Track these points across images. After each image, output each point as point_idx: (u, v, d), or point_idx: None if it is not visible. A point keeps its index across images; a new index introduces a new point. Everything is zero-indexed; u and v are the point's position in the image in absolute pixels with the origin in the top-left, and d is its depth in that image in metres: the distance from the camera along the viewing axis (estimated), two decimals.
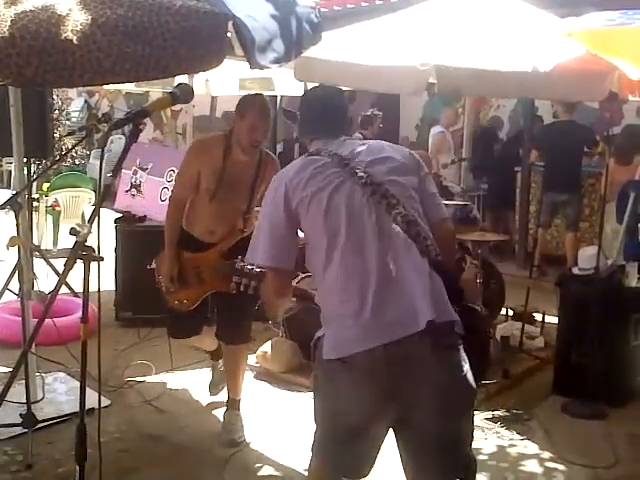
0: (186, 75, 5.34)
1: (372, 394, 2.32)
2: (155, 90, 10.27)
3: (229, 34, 3.22)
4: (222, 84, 7.67)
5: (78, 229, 1.89)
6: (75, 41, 2.77)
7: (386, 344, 2.23)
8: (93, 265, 1.97)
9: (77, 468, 2.07)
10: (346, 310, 2.32)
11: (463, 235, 5.24)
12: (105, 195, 1.99)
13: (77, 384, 4.55)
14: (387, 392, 2.30)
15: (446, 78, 4.68)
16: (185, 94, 2.29)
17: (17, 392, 3.60)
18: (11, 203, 3.70)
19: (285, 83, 7.36)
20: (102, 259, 1.92)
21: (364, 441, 2.42)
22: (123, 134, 13.45)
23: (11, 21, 2.69)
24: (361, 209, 2.38)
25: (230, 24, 3.13)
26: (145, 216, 6.45)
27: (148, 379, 4.90)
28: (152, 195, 11.27)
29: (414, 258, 2.33)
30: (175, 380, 4.97)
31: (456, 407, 2.34)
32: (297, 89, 7.41)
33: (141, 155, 10.99)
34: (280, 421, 4.44)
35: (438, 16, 5.27)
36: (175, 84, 7.11)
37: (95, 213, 1.94)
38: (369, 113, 8.83)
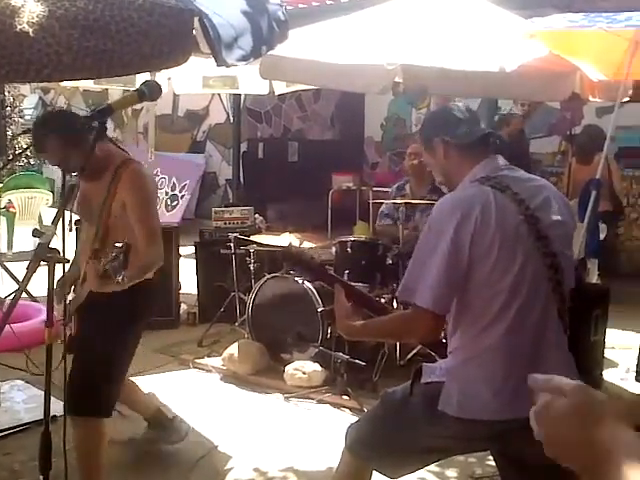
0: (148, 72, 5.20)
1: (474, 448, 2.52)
2: (115, 88, 10.04)
3: (194, 31, 3.16)
4: (185, 82, 7.55)
5: (42, 230, 1.82)
6: (31, 34, 2.67)
7: (513, 419, 2.14)
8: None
9: (41, 478, 1.98)
10: (486, 380, 2.21)
11: None
12: (70, 196, 1.91)
13: (36, 392, 4.48)
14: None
15: (413, 77, 4.70)
16: (152, 91, 2.20)
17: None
18: None
19: (250, 81, 7.27)
20: (68, 261, 1.85)
21: (430, 461, 2.61)
22: None
23: None
24: (537, 283, 2.21)
25: (196, 20, 3.06)
26: None
27: None
28: None
29: (561, 338, 2.32)
30: (140, 384, 4.81)
31: None
32: (262, 87, 7.34)
33: None
34: (248, 424, 4.38)
35: (405, 15, 5.29)
36: (136, 81, 7.01)
37: (59, 214, 1.86)
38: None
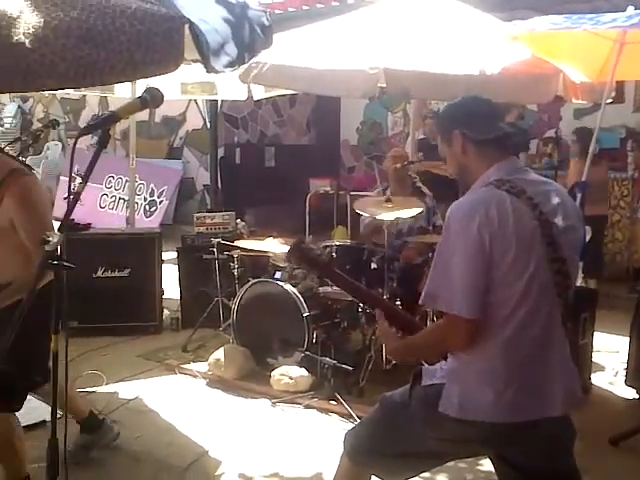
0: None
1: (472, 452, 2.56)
2: (93, 94, 10.09)
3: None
4: (163, 88, 7.54)
5: (48, 238, 1.83)
6: (28, 44, 2.67)
7: (514, 422, 2.19)
8: None
9: None
10: (488, 382, 2.20)
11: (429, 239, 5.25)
12: (75, 202, 1.92)
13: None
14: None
15: (395, 81, 4.74)
16: (155, 98, 2.22)
17: None
18: None
19: (228, 87, 7.31)
20: (74, 268, 1.86)
21: (429, 466, 2.66)
22: (59, 140, 13.15)
23: None
24: (545, 287, 2.19)
25: (186, 27, 3.08)
26: (90, 224, 6.29)
27: (99, 390, 4.79)
28: (91, 202, 11.09)
29: (564, 343, 2.28)
30: (126, 390, 4.87)
31: None
32: (240, 93, 7.36)
33: (80, 162, 10.81)
34: (236, 428, 4.39)
35: (386, 19, 5.33)
36: (115, 88, 6.98)
37: (65, 220, 1.88)
38: None
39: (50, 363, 1.91)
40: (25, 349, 2.80)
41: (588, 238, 6.66)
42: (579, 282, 4.98)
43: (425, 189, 5.81)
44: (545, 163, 8.83)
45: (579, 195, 4.67)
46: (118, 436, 4.02)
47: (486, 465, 3.91)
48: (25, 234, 3.00)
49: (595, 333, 5.06)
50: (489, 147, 2.32)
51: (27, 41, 2.67)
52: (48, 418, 2.51)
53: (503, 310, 2.17)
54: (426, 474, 3.66)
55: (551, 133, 9.23)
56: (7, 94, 12.45)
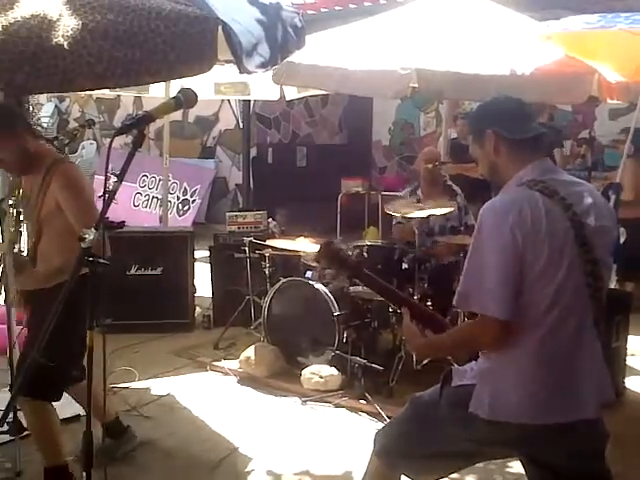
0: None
1: (502, 454, 2.53)
2: (127, 94, 10.21)
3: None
4: (197, 88, 7.62)
5: (84, 235, 1.87)
6: (66, 46, 2.75)
7: (546, 424, 2.18)
8: None
9: (84, 474, 2.04)
10: (520, 383, 2.20)
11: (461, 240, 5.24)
12: (110, 200, 1.97)
13: None
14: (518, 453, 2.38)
15: (427, 81, 4.74)
16: (188, 99, 2.27)
17: (2, 399, 3.53)
18: None
19: (261, 87, 7.36)
20: (109, 265, 1.90)
21: (457, 467, 2.65)
22: (95, 139, 13.33)
23: (2, 27, 2.66)
24: (578, 289, 2.18)
25: (220, 28, 3.12)
26: (124, 222, 6.37)
27: (132, 385, 4.87)
28: (124, 201, 11.23)
29: (596, 345, 2.27)
30: (159, 386, 4.94)
31: None
32: (273, 93, 7.41)
33: (114, 160, 10.94)
34: (266, 426, 4.43)
35: (418, 19, 5.32)
36: (149, 88, 7.06)
37: (101, 219, 1.93)
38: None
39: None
40: (64, 344, 2.90)
41: (622, 240, 6.57)
42: (613, 284, 4.90)
43: (456, 187, 5.79)
44: (578, 164, 8.72)
45: (613, 196, 4.60)
46: (136, 447, 3.98)
47: (515, 467, 3.89)
48: (73, 215, 3.21)
49: (630, 336, 4.98)
50: (522, 147, 2.32)
51: (66, 43, 2.75)
52: (82, 412, 2.58)
53: (536, 311, 2.16)
54: (455, 475, 3.65)
55: (585, 134, 9.13)
56: (45, 94, 12.62)
